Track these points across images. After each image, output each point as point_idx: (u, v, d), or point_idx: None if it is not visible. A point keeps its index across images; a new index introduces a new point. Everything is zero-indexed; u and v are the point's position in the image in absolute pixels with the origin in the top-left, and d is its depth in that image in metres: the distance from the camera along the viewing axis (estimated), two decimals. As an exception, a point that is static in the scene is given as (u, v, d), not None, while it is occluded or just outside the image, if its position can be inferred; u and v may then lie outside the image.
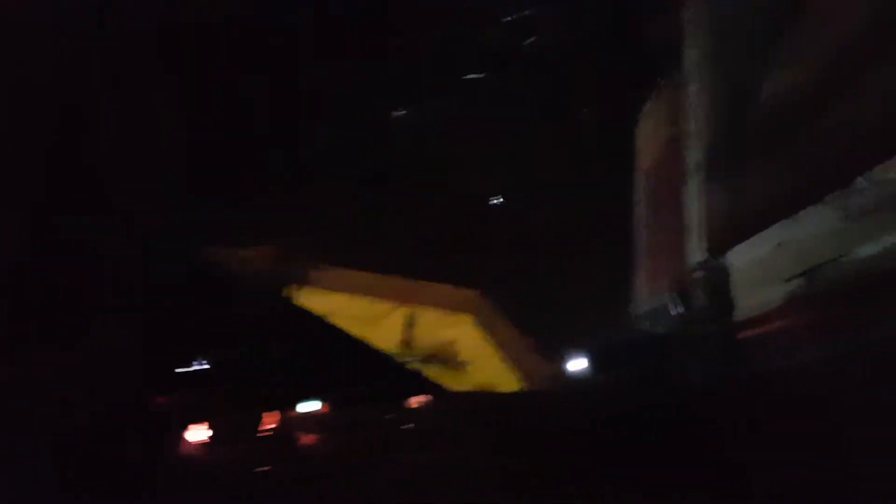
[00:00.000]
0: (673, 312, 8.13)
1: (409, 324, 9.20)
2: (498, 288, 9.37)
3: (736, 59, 7.11)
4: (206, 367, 7.73)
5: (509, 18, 10.00)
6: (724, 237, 6.99)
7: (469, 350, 9.18)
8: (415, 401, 7.52)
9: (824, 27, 5.49)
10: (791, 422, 4.76)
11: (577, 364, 8.06)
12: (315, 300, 8.95)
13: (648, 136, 10.14)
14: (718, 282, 6.92)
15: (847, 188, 4.83)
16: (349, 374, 7.80)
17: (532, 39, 9.97)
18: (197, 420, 7.00)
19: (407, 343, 9.03)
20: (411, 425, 6.63)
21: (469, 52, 10.03)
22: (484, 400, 7.76)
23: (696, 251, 7.75)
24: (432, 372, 8.79)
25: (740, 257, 6.63)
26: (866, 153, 4.66)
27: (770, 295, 5.82)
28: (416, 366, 8.77)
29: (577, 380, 7.96)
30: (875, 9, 4.87)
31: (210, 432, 6.99)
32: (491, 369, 9.15)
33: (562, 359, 8.24)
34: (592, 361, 7.96)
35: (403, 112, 10.10)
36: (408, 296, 9.40)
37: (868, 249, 4.72)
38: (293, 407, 7.54)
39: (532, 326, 9.20)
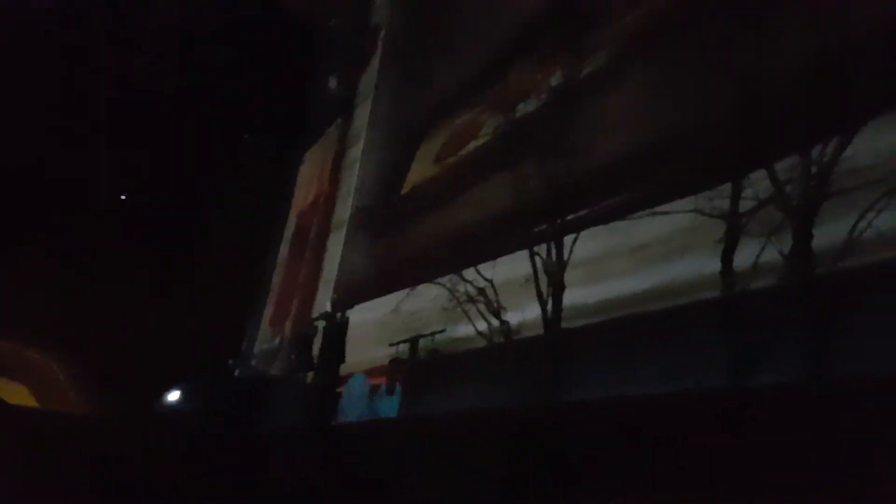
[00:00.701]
0: (288, 357, 8.17)
1: None
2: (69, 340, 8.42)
3: (392, 142, 7.78)
4: None
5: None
6: (350, 294, 7.35)
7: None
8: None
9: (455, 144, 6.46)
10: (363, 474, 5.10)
11: (170, 398, 7.49)
12: None
13: (308, 181, 10.31)
14: (336, 334, 7.19)
15: (455, 274, 5.56)
16: None
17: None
18: None
19: None
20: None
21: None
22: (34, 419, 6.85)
23: (323, 302, 7.98)
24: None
25: (360, 315, 7.02)
26: (470, 251, 5.49)
27: (376, 354, 6.25)
28: None
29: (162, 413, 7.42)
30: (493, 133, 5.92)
31: None
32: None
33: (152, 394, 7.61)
34: (187, 396, 7.47)
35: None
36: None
37: (465, 330, 5.44)
38: None
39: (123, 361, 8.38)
